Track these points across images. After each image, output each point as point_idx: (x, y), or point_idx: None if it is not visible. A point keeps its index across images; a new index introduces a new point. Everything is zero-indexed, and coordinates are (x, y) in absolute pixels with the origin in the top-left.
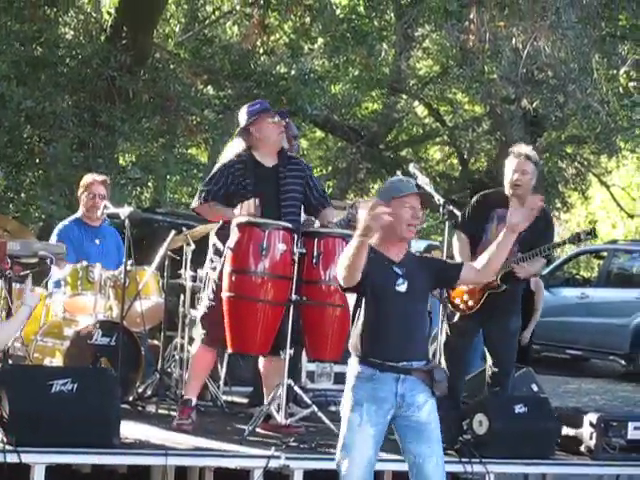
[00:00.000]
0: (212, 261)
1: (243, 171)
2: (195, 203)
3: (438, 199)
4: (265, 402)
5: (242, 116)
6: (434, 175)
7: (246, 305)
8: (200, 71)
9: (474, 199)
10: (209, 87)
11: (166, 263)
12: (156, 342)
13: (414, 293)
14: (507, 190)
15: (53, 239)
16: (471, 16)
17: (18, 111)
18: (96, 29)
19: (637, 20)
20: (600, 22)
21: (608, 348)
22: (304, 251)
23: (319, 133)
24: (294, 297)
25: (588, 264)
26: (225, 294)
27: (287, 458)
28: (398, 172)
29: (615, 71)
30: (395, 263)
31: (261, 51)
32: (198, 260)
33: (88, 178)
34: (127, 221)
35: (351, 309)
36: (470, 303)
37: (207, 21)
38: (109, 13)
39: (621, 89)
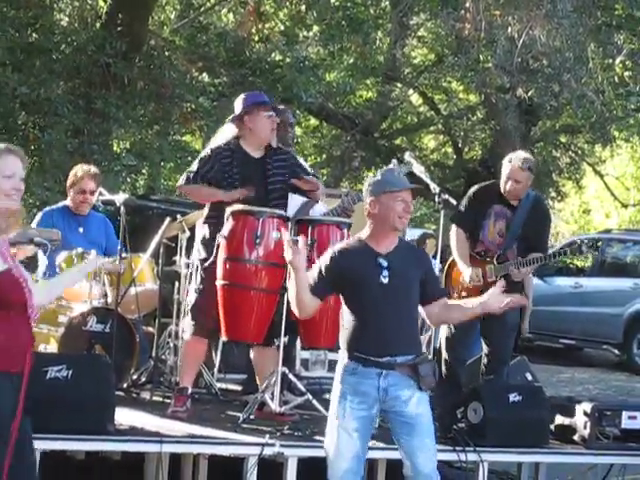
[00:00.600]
0: (199, 251)
1: (230, 160)
2: (181, 182)
3: (433, 187)
4: (259, 390)
5: (239, 103)
6: (428, 164)
7: (240, 293)
8: (195, 58)
9: (471, 193)
10: (204, 74)
11: (161, 250)
12: (151, 329)
13: (399, 286)
14: (502, 189)
15: (34, 225)
16: (467, 4)
17: (13, 97)
18: (91, 16)
19: (633, 10)
20: (596, 11)
21: (602, 337)
22: (298, 238)
23: (314, 121)
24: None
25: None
26: (219, 282)
27: (282, 446)
28: (394, 160)
29: (610, 60)
30: (381, 255)
31: (256, 38)
32: (193, 247)
33: (79, 171)
34: (122, 208)
35: None
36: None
37: (202, 8)
38: (104, 0)
39: (616, 78)
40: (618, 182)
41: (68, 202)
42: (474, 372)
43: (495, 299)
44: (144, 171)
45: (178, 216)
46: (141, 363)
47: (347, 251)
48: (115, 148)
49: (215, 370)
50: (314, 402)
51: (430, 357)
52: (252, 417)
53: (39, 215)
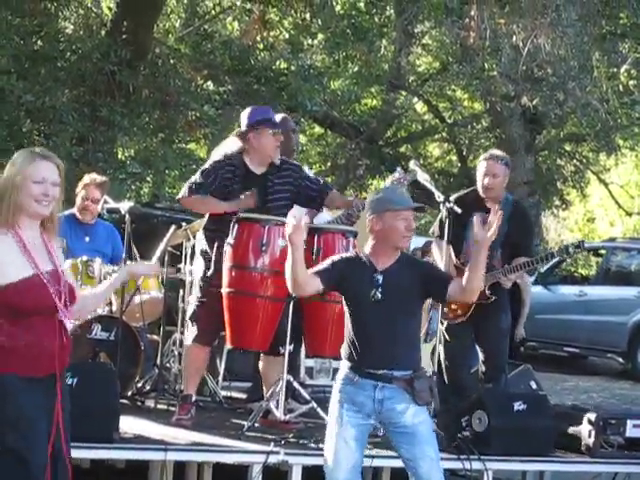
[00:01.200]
0: (198, 262)
1: (232, 175)
2: (183, 193)
3: (438, 196)
4: (264, 398)
5: (244, 118)
6: (433, 172)
7: (246, 301)
8: (200, 66)
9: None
10: (209, 82)
11: (166, 258)
12: (155, 337)
13: (393, 301)
14: (480, 190)
15: None
16: (471, 13)
17: (18, 105)
18: (96, 24)
19: (637, 19)
20: (600, 20)
21: (606, 346)
22: (304, 247)
23: (318, 129)
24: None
25: (586, 262)
26: (225, 290)
27: (286, 454)
28: (398, 168)
29: (615, 69)
30: (378, 271)
31: (261, 47)
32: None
33: (87, 179)
34: (127, 216)
35: None
36: (458, 312)
37: (207, 16)
38: (109, 8)
39: (621, 87)
40: (622, 190)
41: (74, 209)
42: (474, 382)
43: (480, 233)
44: (149, 179)
45: (183, 224)
46: (146, 371)
47: (351, 262)
48: (120, 156)
49: (220, 378)
50: (319, 410)
51: (428, 373)
52: (257, 425)
53: None
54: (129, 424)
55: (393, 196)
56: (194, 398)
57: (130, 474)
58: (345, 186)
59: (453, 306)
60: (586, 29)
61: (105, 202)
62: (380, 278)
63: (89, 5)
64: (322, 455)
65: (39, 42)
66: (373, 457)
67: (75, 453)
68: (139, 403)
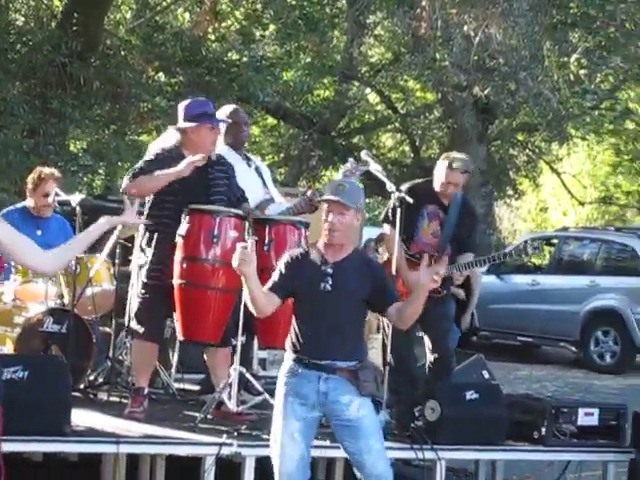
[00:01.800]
0: (138, 257)
1: (169, 166)
2: (126, 181)
3: (389, 186)
4: (217, 390)
5: (182, 111)
6: (386, 162)
7: (197, 293)
8: (151, 58)
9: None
10: (160, 74)
11: (117, 250)
12: (107, 329)
13: (341, 293)
14: (436, 189)
15: None
16: (423, 3)
17: None
18: (47, 15)
19: (587, 8)
20: (551, 10)
21: (559, 335)
22: (256, 238)
23: (271, 120)
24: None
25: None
26: (176, 281)
27: (239, 445)
28: (350, 159)
29: (566, 58)
30: (328, 264)
31: (212, 38)
32: None
33: (42, 173)
34: (78, 208)
35: None
36: None
37: (158, 8)
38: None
39: (572, 76)
40: (575, 180)
41: (27, 203)
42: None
43: (425, 277)
44: (101, 171)
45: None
46: (98, 364)
47: (300, 260)
48: (72, 148)
49: (172, 370)
50: (271, 401)
51: (372, 364)
52: (210, 417)
53: None
54: (81, 417)
55: (329, 186)
56: (146, 391)
57: (82, 467)
58: (298, 177)
59: (402, 297)
60: (537, 19)
61: (56, 195)
62: (330, 270)
63: None
64: None
65: None
66: (326, 447)
67: (27, 446)
68: (91, 396)
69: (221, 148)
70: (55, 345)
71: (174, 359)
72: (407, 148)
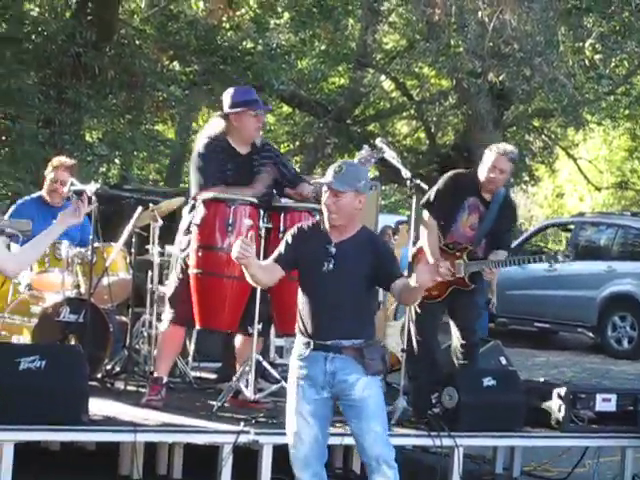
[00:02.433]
0: (180, 241)
1: (223, 155)
2: (196, 190)
3: (405, 173)
4: (234, 378)
5: (227, 99)
6: (401, 149)
7: (213, 281)
8: (166, 47)
9: (445, 180)
10: (175, 63)
11: (133, 239)
12: (124, 318)
13: (343, 273)
14: (481, 178)
15: (8, 215)
16: None
17: None
18: (61, 5)
19: None
20: None
21: (576, 320)
22: (270, 226)
23: (286, 108)
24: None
25: (556, 237)
26: (192, 270)
27: (256, 433)
28: (365, 146)
29: (581, 44)
30: (332, 243)
31: (227, 26)
32: (165, 236)
33: (56, 161)
34: (93, 197)
35: None
36: (434, 293)
37: None
38: None
39: (587, 62)
40: (591, 165)
41: (43, 192)
42: (449, 358)
43: (423, 276)
44: (116, 161)
45: (150, 205)
46: (115, 353)
47: (307, 232)
48: (87, 138)
49: (189, 358)
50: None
51: (380, 342)
52: (227, 405)
53: (12, 208)
54: (98, 406)
55: (328, 171)
56: (165, 380)
57: (100, 456)
58: (314, 165)
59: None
60: (551, 4)
61: (72, 184)
62: (333, 250)
63: None
64: None
65: (4, 24)
66: (344, 435)
67: (44, 436)
68: (108, 385)
69: None
70: (72, 335)
71: (191, 348)
72: (422, 135)
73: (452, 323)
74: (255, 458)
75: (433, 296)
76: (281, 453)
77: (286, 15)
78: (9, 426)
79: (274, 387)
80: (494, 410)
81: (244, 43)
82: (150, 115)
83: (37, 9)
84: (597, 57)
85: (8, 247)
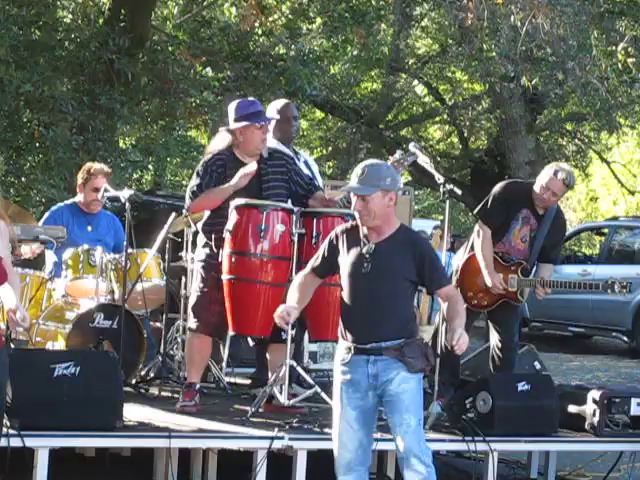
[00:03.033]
0: (198, 254)
1: (223, 169)
2: (188, 202)
3: (438, 178)
4: (268, 383)
5: (231, 113)
6: (434, 154)
7: (246, 287)
8: (198, 53)
9: (502, 189)
10: (208, 69)
11: (167, 245)
12: (158, 324)
13: (380, 274)
14: (537, 191)
15: (42, 221)
16: None
17: (17, 95)
18: (94, 12)
19: None
20: None
21: (611, 325)
22: (303, 231)
23: (319, 113)
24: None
25: (589, 241)
26: (225, 276)
27: (290, 439)
28: (398, 150)
29: (614, 47)
30: (370, 244)
31: (259, 32)
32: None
33: (92, 168)
34: (127, 204)
35: None
36: (484, 303)
37: (205, 2)
38: None
39: (620, 65)
40: (625, 169)
41: (77, 199)
42: (481, 362)
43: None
44: (150, 167)
45: (184, 211)
46: (149, 359)
47: (343, 238)
48: (120, 144)
49: (223, 364)
50: (322, 394)
51: (423, 340)
52: (261, 411)
53: (46, 215)
54: (133, 412)
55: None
56: (198, 385)
57: (135, 462)
58: (347, 170)
59: (480, 294)
60: (584, 8)
61: (105, 190)
62: (370, 252)
63: None
64: (327, 439)
65: (37, 31)
66: (377, 440)
67: (79, 442)
68: (143, 391)
69: (270, 142)
70: (106, 341)
71: (225, 353)
72: (455, 139)
73: (491, 327)
74: (289, 464)
75: (482, 306)
76: (315, 458)
77: (318, 20)
78: (44, 432)
79: (308, 392)
80: (528, 415)
81: (276, 49)
82: (183, 121)
83: (70, 16)
84: (630, 60)
85: (43, 253)
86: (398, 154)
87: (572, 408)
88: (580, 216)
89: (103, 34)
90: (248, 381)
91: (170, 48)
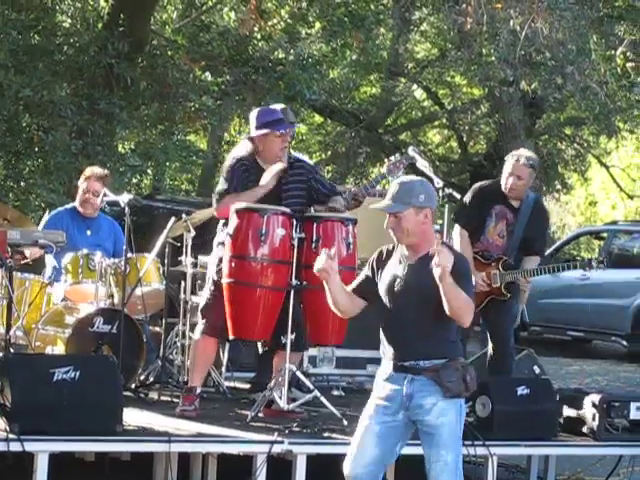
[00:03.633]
0: (214, 263)
1: (248, 173)
2: (214, 205)
3: (437, 182)
4: (267, 388)
5: (252, 121)
6: (433, 158)
7: (246, 291)
8: (198, 57)
9: (473, 191)
10: (207, 73)
11: (166, 250)
12: (157, 329)
13: (412, 293)
14: (502, 186)
15: (41, 226)
16: None
17: (16, 100)
18: (93, 17)
19: (634, 0)
20: (597, 3)
21: (609, 329)
22: (303, 236)
23: (318, 118)
24: (294, 282)
25: (589, 245)
26: (225, 280)
27: (290, 443)
28: (397, 154)
29: (613, 52)
30: (404, 263)
31: (259, 36)
32: (198, 247)
33: (88, 172)
34: (127, 208)
35: None
36: None
37: (204, 7)
38: (106, 0)
39: (619, 70)
40: (624, 173)
41: (76, 203)
42: (480, 367)
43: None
44: (149, 171)
45: (183, 215)
46: (148, 363)
47: (383, 256)
48: (119, 148)
49: (223, 369)
50: (322, 399)
51: (464, 363)
52: (260, 415)
53: (45, 219)
54: (133, 416)
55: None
56: (199, 390)
57: (135, 466)
58: (346, 174)
59: None
60: (583, 12)
61: (105, 195)
62: (404, 271)
63: None
64: (327, 444)
65: (36, 36)
66: None
67: (79, 446)
68: (142, 395)
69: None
70: (106, 345)
71: (224, 358)
72: (454, 144)
73: (487, 331)
74: (289, 468)
75: None
76: (314, 463)
77: (317, 25)
78: (44, 437)
79: (307, 397)
80: (528, 419)
81: (276, 53)
82: (182, 125)
83: (69, 20)
84: (629, 65)
85: (42, 258)
86: (395, 156)
87: (571, 412)
88: (579, 220)
89: (102, 38)
90: (248, 385)
91: (169, 52)
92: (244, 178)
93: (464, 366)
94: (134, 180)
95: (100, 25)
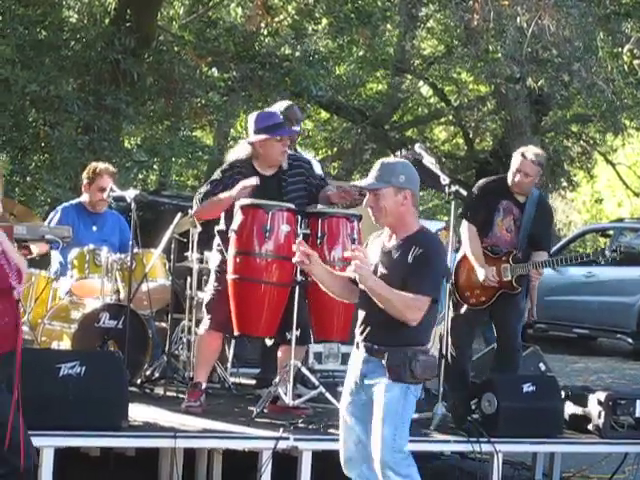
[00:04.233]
0: (217, 248)
1: (240, 177)
2: (194, 206)
3: (443, 179)
4: (273, 384)
5: (251, 125)
6: (440, 155)
7: (251, 287)
8: (204, 53)
9: (479, 187)
10: (213, 69)
11: (172, 246)
12: (163, 324)
13: (381, 277)
14: (509, 182)
15: (54, 222)
16: None
17: (23, 95)
18: (100, 12)
19: None
20: (604, 0)
21: (615, 326)
22: (308, 232)
23: (324, 114)
24: (299, 278)
25: (594, 242)
26: (230, 276)
27: (296, 439)
28: (403, 150)
29: (620, 49)
30: (382, 249)
31: (265, 32)
32: (204, 242)
33: (97, 168)
34: (133, 204)
35: None
36: (482, 298)
37: (211, 3)
38: None
39: (626, 67)
40: (630, 171)
41: (83, 199)
42: (486, 364)
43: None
44: (155, 167)
45: (189, 211)
46: (154, 359)
47: (372, 243)
48: (126, 144)
49: (228, 364)
50: (327, 395)
51: (415, 350)
52: (266, 411)
53: (53, 212)
54: (138, 412)
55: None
56: (204, 385)
57: (140, 462)
58: (352, 171)
59: (477, 291)
60: (590, 9)
61: (111, 190)
62: (379, 256)
63: None
64: (332, 440)
65: (43, 31)
66: None
67: (84, 442)
68: (148, 391)
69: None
70: (112, 340)
71: (230, 353)
72: (461, 141)
73: (494, 327)
74: (295, 464)
75: (481, 302)
76: (320, 459)
77: (324, 21)
78: (49, 432)
79: (313, 393)
80: (533, 416)
81: (282, 49)
82: (188, 121)
83: (76, 16)
84: (636, 62)
85: (49, 253)
86: (400, 151)
87: (577, 410)
88: (585, 218)
89: (109, 34)
90: (253, 381)
91: (176, 48)
92: (233, 183)
93: (415, 353)
94: (140, 176)
95: (107, 20)
